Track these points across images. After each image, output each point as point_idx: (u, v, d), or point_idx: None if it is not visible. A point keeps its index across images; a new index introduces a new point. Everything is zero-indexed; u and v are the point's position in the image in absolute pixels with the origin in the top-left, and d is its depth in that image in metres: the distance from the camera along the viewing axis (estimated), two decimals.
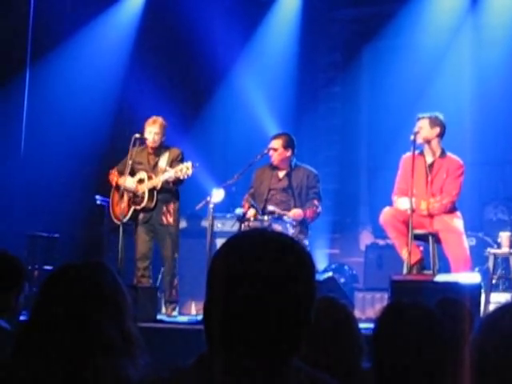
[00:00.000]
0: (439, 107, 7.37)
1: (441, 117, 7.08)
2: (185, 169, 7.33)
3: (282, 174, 7.84)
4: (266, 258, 1.56)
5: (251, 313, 1.54)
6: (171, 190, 7.68)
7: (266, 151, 7.75)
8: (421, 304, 2.56)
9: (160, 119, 7.79)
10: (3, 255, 3.55)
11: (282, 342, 1.57)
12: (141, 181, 7.69)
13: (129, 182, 7.65)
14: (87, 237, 9.56)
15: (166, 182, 7.51)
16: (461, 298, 3.35)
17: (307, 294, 1.60)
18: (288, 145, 7.74)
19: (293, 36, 10.82)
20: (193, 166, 7.35)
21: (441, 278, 6.22)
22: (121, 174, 7.75)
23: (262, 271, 1.55)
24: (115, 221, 7.78)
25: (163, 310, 7.94)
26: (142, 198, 7.64)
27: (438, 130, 7.02)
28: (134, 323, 1.91)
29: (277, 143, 7.73)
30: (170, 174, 7.42)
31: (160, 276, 8.71)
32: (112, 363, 1.75)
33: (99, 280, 1.86)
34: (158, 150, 7.80)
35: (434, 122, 7.03)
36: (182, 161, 7.67)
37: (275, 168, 7.85)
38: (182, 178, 7.36)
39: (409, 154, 6.95)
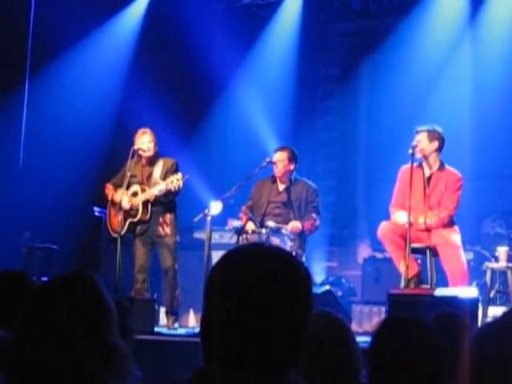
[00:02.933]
0: (437, 121, 7.37)
1: (439, 130, 7.07)
2: (175, 181, 7.35)
3: (282, 187, 7.85)
4: (262, 274, 1.58)
5: (247, 327, 1.55)
6: (166, 201, 7.68)
7: (265, 163, 7.77)
8: (418, 318, 2.56)
9: (148, 129, 7.82)
10: (8, 272, 3.56)
11: (278, 356, 1.57)
12: (134, 194, 7.69)
13: (124, 200, 7.64)
14: (85, 248, 9.55)
15: (159, 195, 7.52)
16: (459, 312, 3.35)
17: (303, 309, 1.61)
18: (292, 158, 7.78)
19: (292, 49, 10.84)
20: (183, 177, 7.36)
21: (440, 292, 6.21)
22: (116, 187, 7.76)
23: (258, 287, 1.56)
24: (112, 233, 7.78)
25: (164, 321, 7.93)
26: (137, 210, 7.64)
27: (436, 144, 7.01)
28: (123, 333, 1.90)
29: (282, 155, 7.76)
30: (162, 186, 7.44)
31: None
32: (86, 380, 1.74)
33: (78, 292, 1.86)
34: (152, 161, 7.80)
35: (433, 135, 7.02)
36: (176, 171, 7.69)
37: (275, 181, 7.86)
38: (172, 190, 7.37)
39: (407, 166, 6.95)
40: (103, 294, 1.88)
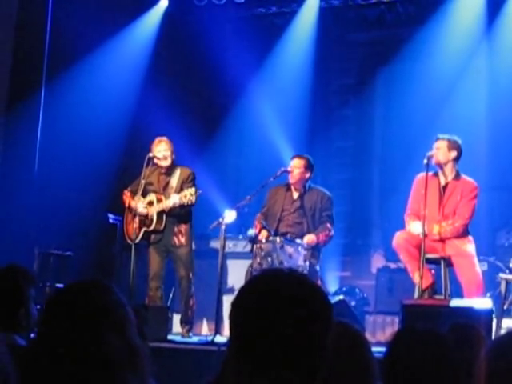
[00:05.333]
0: (452, 131, 7.36)
1: (459, 141, 7.09)
2: (188, 195, 7.37)
3: (296, 195, 7.85)
4: (281, 307, 1.62)
5: (268, 353, 1.57)
6: (182, 212, 7.69)
7: (280, 172, 7.78)
8: (433, 329, 2.55)
9: (165, 138, 7.85)
10: (7, 270, 3.58)
11: (297, 379, 1.59)
12: (150, 203, 7.72)
13: (140, 206, 7.68)
14: (99, 255, 9.58)
15: (175, 206, 7.53)
16: (475, 323, 3.33)
17: (321, 339, 1.63)
18: (309, 167, 7.80)
19: (307, 58, 10.84)
20: (196, 192, 7.38)
21: (454, 302, 6.19)
22: (134, 194, 7.78)
23: (277, 321, 1.60)
24: (128, 240, 7.80)
25: (177, 329, 7.95)
26: (152, 220, 7.67)
27: (454, 153, 7.02)
28: (140, 339, 1.91)
29: (299, 163, 7.78)
30: (175, 199, 7.46)
31: (171, 296, 8.72)
32: (114, 376, 1.75)
33: (99, 296, 1.88)
34: (169, 170, 7.82)
35: (453, 145, 7.03)
36: (192, 181, 7.72)
37: (290, 189, 7.87)
38: (185, 204, 7.39)
39: (423, 175, 6.94)
40: (121, 299, 1.89)
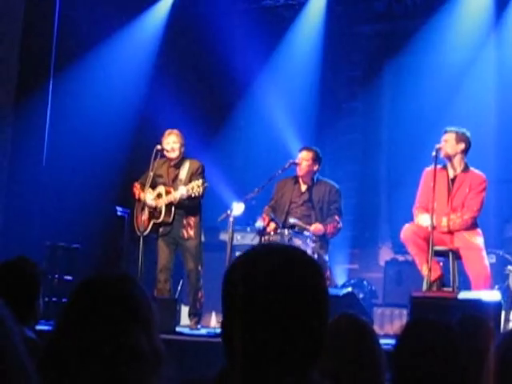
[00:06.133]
0: (461, 123, 7.34)
1: (467, 134, 7.06)
2: (196, 187, 7.37)
3: (304, 187, 7.85)
4: (275, 272, 1.60)
5: (265, 324, 1.56)
6: (191, 204, 7.69)
7: (288, 165, 7.77)
8: (442, 321, 2.55)
9: (175, 130, 7.85)
10: (18, 262, 3.58)
11: (298, 353, 1.58)
12: (159, 195, 7.73)
13: (149, 197, 7.69)
14: (107, 248, 9.60)
15: (182, 198, 7.53)
16: (483, 316, 3.33)
17: (318, 303, 1.61)
18: (317, 159, 7.78)
19: (314, 51, 10.82)
20: (204, 184, 7.38)
21: (463, 295, 6.19)
22: (143, 186, 7.79)
23: (271, 283, 1.59)
24: (137, 232, 7.81)
25: (185, 321, 7.96)
26: (160, 212, 7.68)
27: (462, 145, 7.00)
28: (159, 336, 1.91)
29: (307, 155, 7.76)
30: (183, 191, 7.46)
31: (179, 288, 8.73)
32: (143, 375, 1.75)
33: (128, 292, 1.86)
34: (179, 162, 7.82)
35: (461, 137, 7.01)
36: (201, 173, 7.71)
37: (298, 181, 7.86)
38: (193, 195, 7.39)
39: (431, 168, 6.93)
40: (146, 294, 1.89)
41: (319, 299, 1.63)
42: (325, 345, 1.63)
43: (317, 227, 7.52)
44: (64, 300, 7.52)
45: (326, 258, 7.59)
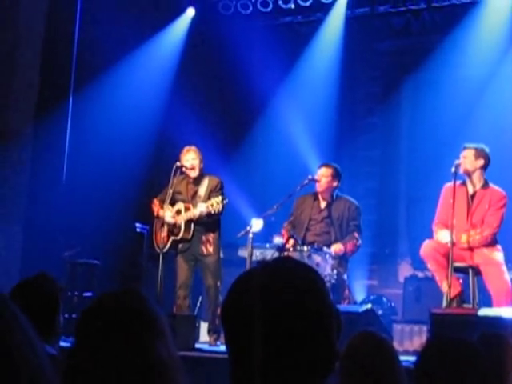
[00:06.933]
0: (480, 139, 7.33)
1: (486, 150, 7.05)
2: (215, 204, 7.38)
3: (323, 204, 7.84)
4: (272, 287, 1.60)
5: (281, 336, 1.57)
6: (210, 221, 7.70)
7: (307, 181, 7.77)
8: (464, 338, 2.54)
9: (193, 147, 7.87)
10: (37, 279, 3.60)
11: (312, 365, 1.59)
12: (178, 212, 7.75)
13: (168, 214, 7.72)
14: (127, 264, 9.62)
15: (202, 215, 7.55)
16: (503, 333, 3.31)
17: (320, 312, 1.61)
18: (336, 176, 7.78)
19: (333, 67, 10.84)
20: (223, 200, 7.39)
21: (483, 311, 6.15)
22: (163, 203, 7.82)
23: (288, 297, 1.59)
24: (156, 249, 7.83)
25: (204, 337, 7.96)
26: (179, 229, 7.70)
27: (481, 162, 6.99)
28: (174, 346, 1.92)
29: (327, 171, 7.77)
30: (202, 208, 7.47)
31: (198, 304, 8.74)
32: None
33: (140, 305, 1.87)
34: (198, 179, 7.85)
35: (480, 153, 7.00)
36: (220, 190, 7.73)
37: (317, 198, 7.86)
38: (212, 212, 7.40)
39: (451, 184, 6.91)
40: (157, 308, 1.89)
41: (329, 312, 1.63)
42: (337, 357, 1.63)
43: (337, 248, 7.50)
44: None
45: (345, 277, 7.58)
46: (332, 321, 1.63)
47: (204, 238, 7.72)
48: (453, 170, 6.83)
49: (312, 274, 1.67)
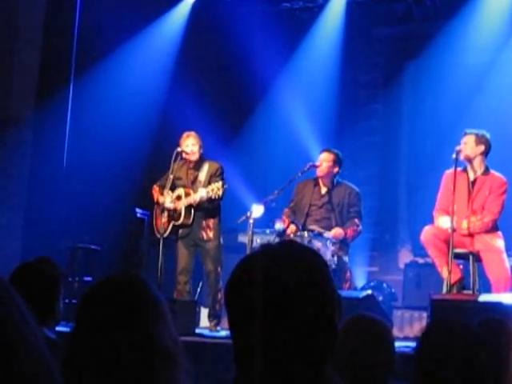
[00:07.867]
0: (481, 126, 7.31)
1: (487, 136, 7.03)
2: (215, 189, 7.37)
3: (324, 190, 7.84)
4: (276, 268, 1.60)
5: (285, 321, 1.57)
6: (210, 206, 7.70)
7: (307, 167, 7.76)
8: (463, 323, 2.55)
9: (193, 132, 7.85)
10: (38, 264, 3.60)
11: (315, 349, 1.59)
12: (178, 197, 7.74)
13: (167, 200, 7.71)
14: (127, 249, 9.63)
15: (202, 200, 7.54)
16: (503, 319, 3.32)
17: (324, 297, 1.61)
18: (337, 161, 7.77)
19: (334, 53, 10.82)
20: (223, 186, 7.38)
21: (483, 297, 6.16)
22: (163, 189, 7.82)
23: (274, 280, 1.58)
24: (157, 234, 7.84)
25: (205, 323, 7.97)
26: (180, 214, 7.69)
27: (482, 148, 6.97)
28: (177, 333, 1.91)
29: (328, 156, 7.76)
30: (202, 193, 7.46)
31: (199, 290, 8.75)
32: (172, 375, 1.76)
33: (141, 288, 1.87)
34: (198, 164, 7.83)
35: (480, 139, 6.98)
36: (220, 175, 7.72)
37: (318, 183, 7.85)
38: (212, 197, 7.39)
39: (451, 170, 6.90)
40: (159, 293, 1.89)
41: (332, 296, 1.63)
42: (336, 336, 1.63)
43: (337, 232, 7.50)
44: None
45: (346, 259, 7.59)
46: (334, 304, 1.63)
47: (204, 223, 7.72)
48: (454, 156, 6.82)
49: (316, 257, 1.67)
